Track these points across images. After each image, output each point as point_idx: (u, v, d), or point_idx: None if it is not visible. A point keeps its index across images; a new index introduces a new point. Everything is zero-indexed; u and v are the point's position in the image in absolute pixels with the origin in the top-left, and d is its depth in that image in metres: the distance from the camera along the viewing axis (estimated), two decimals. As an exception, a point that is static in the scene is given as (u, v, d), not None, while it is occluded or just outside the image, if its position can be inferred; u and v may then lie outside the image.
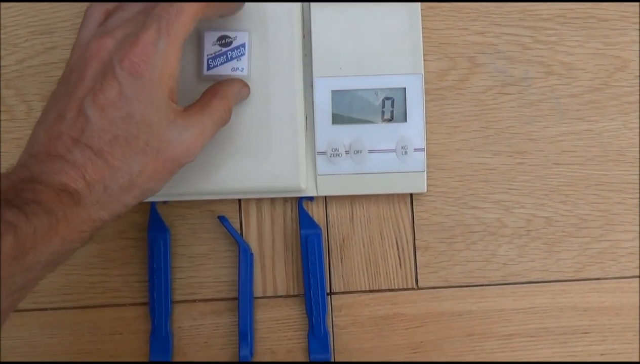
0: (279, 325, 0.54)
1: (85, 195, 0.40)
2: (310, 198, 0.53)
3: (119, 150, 0.40)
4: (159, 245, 0.53)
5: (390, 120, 0.52)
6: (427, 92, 0.53)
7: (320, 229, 0.53)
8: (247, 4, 0.49)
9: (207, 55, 0.49)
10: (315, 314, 0.52)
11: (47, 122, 0.41)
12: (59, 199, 0.38)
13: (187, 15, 0.41)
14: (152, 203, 0.53)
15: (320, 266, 0.52)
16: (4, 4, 0.54)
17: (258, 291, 0.54)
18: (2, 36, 0.54)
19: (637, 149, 0.54)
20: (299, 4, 0.51)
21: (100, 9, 0.45)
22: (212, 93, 0.46)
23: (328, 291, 0.54)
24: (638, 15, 0.54)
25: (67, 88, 0.42)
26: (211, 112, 0.45)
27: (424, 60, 0.52)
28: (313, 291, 0.52)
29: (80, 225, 0.40)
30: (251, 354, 0.52)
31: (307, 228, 0.53)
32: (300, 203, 0.53)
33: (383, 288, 0.54)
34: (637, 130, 0.54)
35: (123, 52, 0.41)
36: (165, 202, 0.53)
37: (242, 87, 0.49)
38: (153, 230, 0.53)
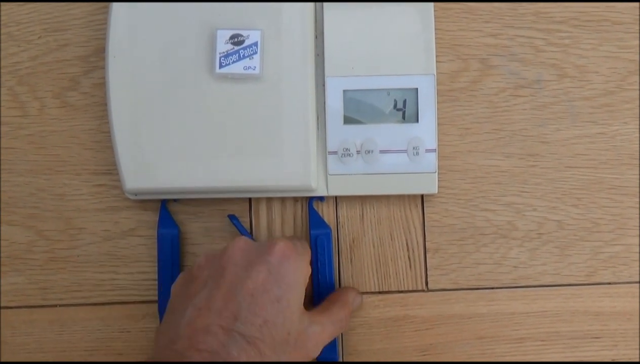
0: (288, 325, 0.53)
1: None
2: (321, 198, 0.53)
3: (268, 337, 0.40)
4: (169, 243, 0.53)
5: (402, 120, 0.52)
6: (439, 93, 0.53)
7: (330, 229, 0.53)
8: (260, 2, 0.50)
9: (220, 54, 0.49)
10: None
11: (187, 317, 0.40)
12: None
13: None
14: (162, 201, 0.53)
15: (330, 266, 0.52)
16: (18, 2, 0.54)
17: (267, 290, 0.53)
18: (16, 33, 0.55)
19: (651, 153, 0.53)
20: (311, 3, 0.51)
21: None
22: (332, 300, 0.49)
23: (337, 291, 0.53)
24: (653, 18, 0.54)
25: (204, 285, 0.42)
26: (330, 314, 0.47)
27: (437, 61, 0.52)
28: (322, 291, 0.52)
29: None
30: (260, 354, 0.52)
31: (317, 228, 0.52)
32: (310, 203, 0.53)
33: (393, 289, 0.53)
34: (651, 134, 0.53)
35: (269, 244, 0.44)
36: (175, 200, 0.53)
37: (356, 295, 0.51)
38: (163, 228, 0.53)
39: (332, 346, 0.52)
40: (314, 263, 0.52)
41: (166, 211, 0.53)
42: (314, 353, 0.44)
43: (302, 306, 0.44)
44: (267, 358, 0.40)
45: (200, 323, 0.40)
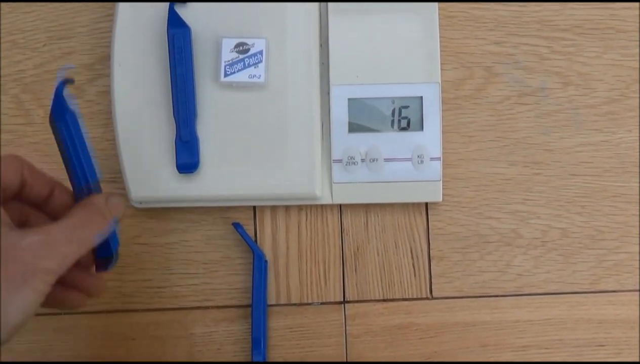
0: (293, 333, 0.53)
1: None
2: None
3: None
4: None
5: (407, 128, 0.52)
6: (443, 101, 0.53)
7: (189, 28, 0.49)
8: (265, 10, 0.50)
9: (225, 62, 0.50)
10: None
11: None
12: None
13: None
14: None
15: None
16: (24, 8, 0.54)
17: (272, 298, 0.54)
18: (21, 41, 0.55)
19: (655, 161, 0.53)
20: (316, 11, 0.51)
21: None
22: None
23: (342, 299, 0.53)
24: (656, 26, 0.54)
25: None
26: (62, 220, 0.40)
27: (441, 69, 0.52)
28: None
29: None
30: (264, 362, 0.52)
31: (175, 27, 0.49)
32: (171, 5, 0.49)
33: (397, 297, 0.54)
34: (655, 142, 0.53)
35: None
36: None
37: (110, 196, 0.43)
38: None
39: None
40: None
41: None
42: (46, 262, 0.38)
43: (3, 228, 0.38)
44: None
45: None
